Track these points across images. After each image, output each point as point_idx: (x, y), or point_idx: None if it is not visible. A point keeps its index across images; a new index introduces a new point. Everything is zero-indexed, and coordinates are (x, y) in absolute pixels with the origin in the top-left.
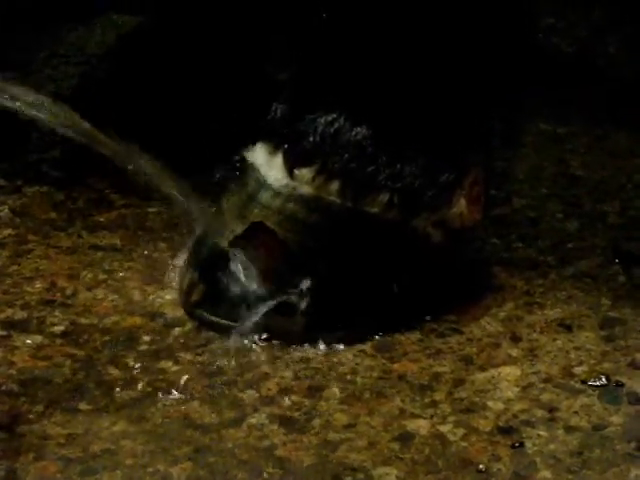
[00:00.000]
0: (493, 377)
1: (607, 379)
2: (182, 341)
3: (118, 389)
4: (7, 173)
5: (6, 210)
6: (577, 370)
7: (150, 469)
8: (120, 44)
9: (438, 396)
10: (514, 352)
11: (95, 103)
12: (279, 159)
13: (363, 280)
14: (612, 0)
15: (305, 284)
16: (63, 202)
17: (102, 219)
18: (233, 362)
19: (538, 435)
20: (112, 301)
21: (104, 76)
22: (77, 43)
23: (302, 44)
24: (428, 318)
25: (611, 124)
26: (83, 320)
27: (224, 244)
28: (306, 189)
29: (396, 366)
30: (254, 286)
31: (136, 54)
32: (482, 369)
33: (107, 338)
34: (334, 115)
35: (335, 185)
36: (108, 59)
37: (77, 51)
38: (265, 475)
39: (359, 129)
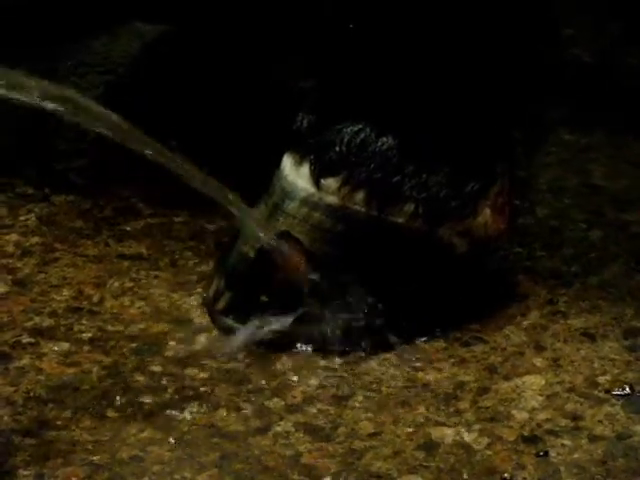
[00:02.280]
0: (517, 386)
1: (631, 388)
2: (208, 349)
3: (145, 396)
4: (34, 181)
5: (33, 218)
6: (601, 379)
7: (177, 476)
8: (144, 53)
9: (463, 405)
10: (538, 361)
11: (121, 112)
12: (305, 169)
13: (388, 289)
14: (633, 11)
15: (330, 293)
16: (90, 210)
17: (129, 228)
18: (259, 370)
19: (562, 444)
20: (139, 308)
21: (129, 85)
22: (102, 52)
23: (328, 54)
24: (452, 327)
25: (633, 134)
26: (110, 327)
27: (251, 252)
28: (332, 199)
29: (420, 375)
30: (280, 294)
31: (160, 63)
32: (506, 378)
33: (134, 345)
34: (360, 125)
35: (361, 195)
36: (133, 68)
37: (102, 60)
38: None
39: (385, 139)
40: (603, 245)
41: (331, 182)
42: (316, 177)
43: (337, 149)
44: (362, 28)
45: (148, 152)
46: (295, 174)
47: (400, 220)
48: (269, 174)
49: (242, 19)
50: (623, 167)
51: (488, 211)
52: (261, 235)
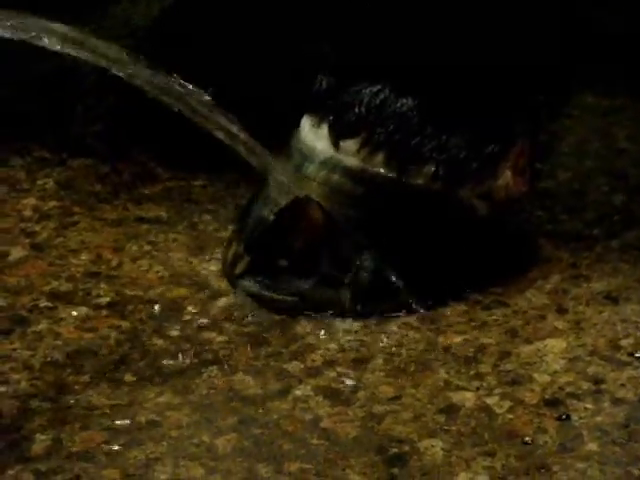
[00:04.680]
0: (539, 350)
1: None
2: (227, 312)
3: (163, 360)
4: (52, 146)
5: (51, 183)
6: (623, 342)
7: (195, 440)
8: (164, 17)
9: (484, 368)
10: (560, 324)
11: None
12: (324, 131)
13: (408, 252)
14: None
15: (350, 256)
16: (108, 175)
17: (147, 192)
18: (278, 334)
19: (584, 408)
20: (157, 272)
21: (149, 49)
22: (122, 17)
23: (347, 15)
24: (474, 290)
25: None
26: (128, 292)
27: (270, 216)
28: (351, 161)
29: (441, 338)
30: (299, 258)
31: (180, 27)
32: (528, 341)
33: (152, 309)
34: (379, 86)
35: (380, 156)
36: (152, 32)
37: (122, 25)
38: (310, 447)
39: (404, 100)
40: (625, 208)
41: (350, 144)
42: (335, 139)
43: (356, 110)
44: None
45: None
46: (314, 136)
47: (420, 182)
48: (288, 137)
49: None
50: None
51: (509, 173)
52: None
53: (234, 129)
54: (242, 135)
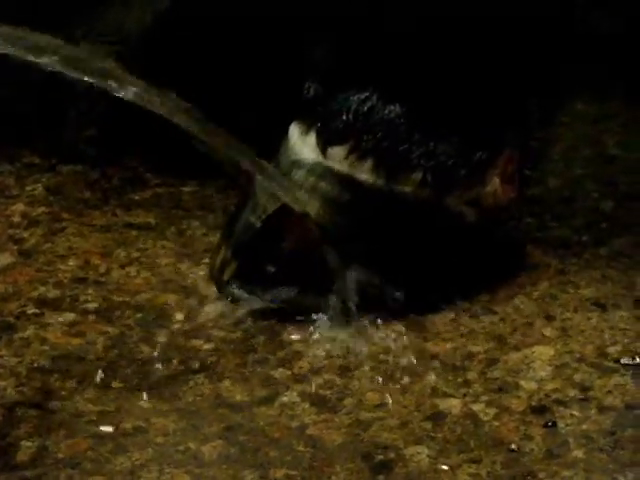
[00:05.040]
0: (526, 357)
1: None
2: (214, 319)
3: (150, 367)
4: (42, 151)
5: (40, 188)
6: (611, 349)
7: (181, 447)
8: (157, 23)
9: (471, 375)
10: (548, 331)
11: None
12: (312, 138)
13: (396, 259)
14: None
15: (338, 263)
16: (98, 181)
17: (137, 197)
18: (265, 340)
19: (571, 415)
20: (145, 278)
21: (141, 55)
22: (115, 22)
23: (335, 22)
24: (462, 298)
25: None
26: (116, 297)
27: (257, 222)
28: (339, 167)
29: (429, 345)
30: (287, 264)
31: (173, 33)
32: (515, 349)
33: (140, 315)
34: (367, 93)
35: (368, 163)
36: (145, 38)
37: (115, 30)
38: (296, 454)
39: (392, 107)
40: (614, 215)
41: (338, 151)
42: (323, 146)
43: (344, 117)
44: None
45: (164, 110)
46: (302, 143)
47: (408, 189)
48: (276, 144)
49: None
50: (637, 137)
51: (497, 180)
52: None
53: (221, 136)
54: (230, 141)
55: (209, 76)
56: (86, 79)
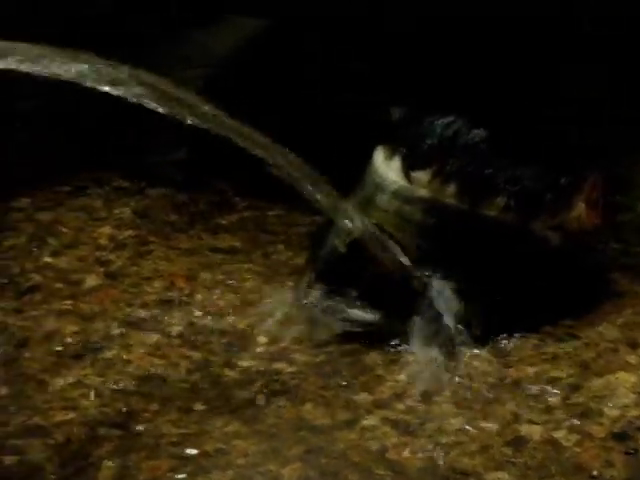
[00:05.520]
0: (609, 383)
1: None
2: (298, 342)
3: (232, 390)
4: (131, 174)
5: (128, 212)
6: None
7: (261, 469)
8: (245, 47)
9: (553, 401)
10: (632, 358)
11: (220, 106)
12: (397, 162)
13: (480, 283)
14: None
15: (421, 287)
16: (185, 204)
17: (223, 221)
18: (348, 364)
19: None
20: (229, 301)
21: (229, 78)
22: (202, 46)
23: (421, 49)
24: (545, 323)
25: None
26: (200, 321)
27: (342, 246)
28: (423, 192)
29: (511, 371)
30: (369, 288)
31: (260, 57)
32: (599, 375)
33: (223, 339)
34: (451, 118)
35: (452, 188)
36: (233, 61)
37: (202, 54)
38: (376, 477)
39: (476, 132)
40: None
41: (422, 175)
42: (407, 170)
43: (428, 142)
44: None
45: (243, 140)
46: (386, 167)
47: (492, 213)
48: (361, 168)
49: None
50: None
51: (582, 205)
52: (353, 228)
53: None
54: (310, 173)
55: (296, 98)
56: (167, 111)
